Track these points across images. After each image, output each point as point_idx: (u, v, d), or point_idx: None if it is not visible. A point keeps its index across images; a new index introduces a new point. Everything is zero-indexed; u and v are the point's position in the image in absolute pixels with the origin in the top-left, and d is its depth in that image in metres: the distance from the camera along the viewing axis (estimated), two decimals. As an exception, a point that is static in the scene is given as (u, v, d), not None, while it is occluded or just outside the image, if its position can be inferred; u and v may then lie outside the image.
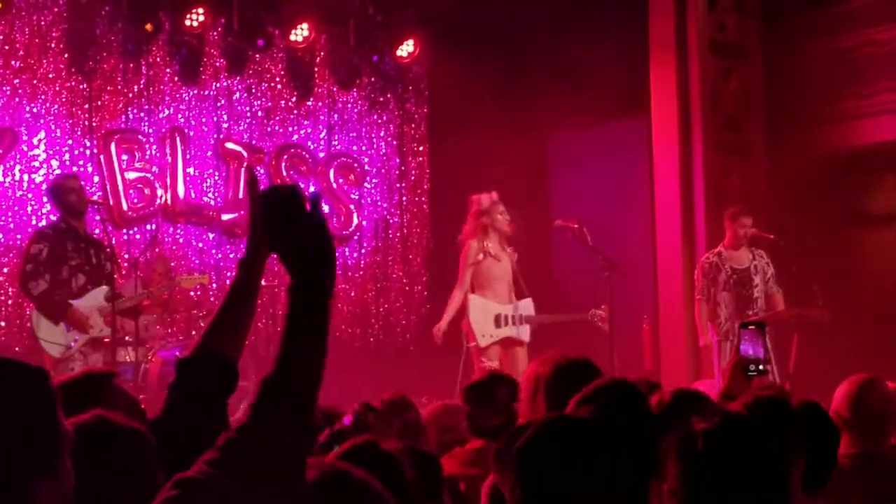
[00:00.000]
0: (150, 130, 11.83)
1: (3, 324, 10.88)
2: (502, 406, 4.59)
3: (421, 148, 13.57)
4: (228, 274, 12.14)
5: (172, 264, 11.61)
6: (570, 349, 3.96)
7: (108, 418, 2.51)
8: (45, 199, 10.67)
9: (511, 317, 9.92)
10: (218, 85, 12.23)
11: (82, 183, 9.62)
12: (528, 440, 2.35)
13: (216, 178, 12.23)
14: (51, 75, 11.23)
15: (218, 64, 12.21)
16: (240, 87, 12.40)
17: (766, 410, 3.10)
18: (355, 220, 12.93)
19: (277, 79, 12.60)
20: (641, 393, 3.16)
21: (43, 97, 11.18)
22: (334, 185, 12.82)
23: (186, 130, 12.00)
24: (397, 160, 13.43)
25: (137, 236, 11.69)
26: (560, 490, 2.29)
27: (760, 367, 3.98)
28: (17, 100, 11.05)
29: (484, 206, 10.04)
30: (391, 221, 13.35)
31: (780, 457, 2.60)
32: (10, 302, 10.92)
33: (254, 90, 12.47)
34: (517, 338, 9.93)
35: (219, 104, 12.28)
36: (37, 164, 11.12)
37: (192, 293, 11.41)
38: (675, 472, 2.55)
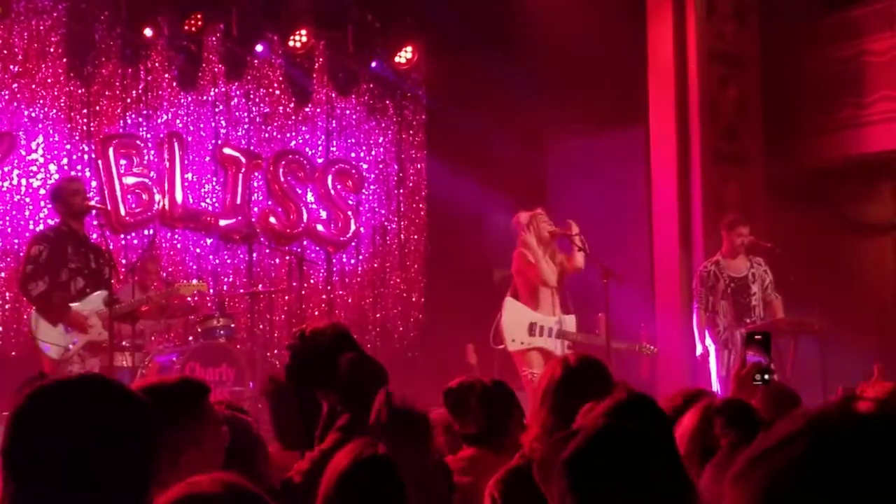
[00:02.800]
0: (149, 135, 11.83)
1: (0, 329, 10.86)
2: (473, 413, 4.61)
3: (419, 155, 13.58)
4: (225, 279, 12.15)
5: (170, 269, 11.61)
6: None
7: None
8: (46, 202, 10.67)
9: (549, 329, 9.76)
10: (216, 90, 12.23)
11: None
12: (579, 449, 2.38)
13: (214, 183, 12.23)
14: (49, 80, 11.23)
15: (216, 69, 12.21)
16: (238, 92, 12.40)
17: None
18: (353, 227, 12.92)
19: (276, 84, 12.60)
20: (661, 411, 3.16)
21: (41, 102, 11.17)
22: (332, 192, 12.81)
23: (185, 136, 12.00)
24: (395, 167, 13.43)
25: (135, 241, 11.68)
26: (612, 497, 2.32)
27: (766, 376, 4.04)
28: (15, 104, 11.05)
29: (523, 221, 9.94)
30: (389, 228, 13.35)
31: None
32: (7, 306, 10.90)
33: (252, 96, 12.47)
34: (553, 351, 9.62)
35: (217, 109, 12.28)
36: (35, 168, 11.11)
37: (189, 299, 11.41)
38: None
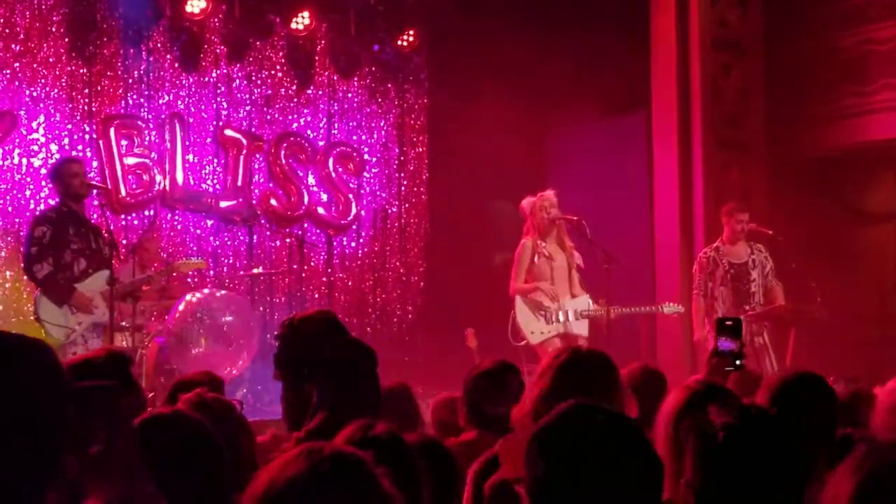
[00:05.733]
0: (150, 116, 11.81)
1: (0, 308, 10.86)
2: (513, 396, 4.57)
3: (420, 138, 13.57)
4: (225, 261, 12.15)
5: (170, 250, 11.61)
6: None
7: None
8: (46, 182, 10.67)
9: (564, 312, 9.81)
10: (218, 72, 12.21)
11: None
12: (552, 422, 2.38)
13: (215, 164, 12.22)
14: (51, 59, 11.20)
15: (218, 51, 12.19)
16: (240, 74, 12.38)
17: (787, 404, 3.09)
18: (354, 210, 12.92)
19: (278, 67, 12.58)
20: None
21: (43, 81, 11.15)
22: (333, 174, 12.80)
23: (186, 117, 11.98)
24: (397, 150, 13.42)
25: (135, 222, 11.68)
26: (580, 473, 2.31)
27: (738, 362, 4.08)
28: (16, 83, 11.03)
29: (527, 208, 9.98)
30: (390, 211, 13.34)
31: (803, 453, 2.60)
32: (7, 285, 10.90)
33: (254, 78, 12.45)
34: (573, 333, 9.70)
35: (219, 91, 12.26)
36: (36, 147, 11.10)
37: (188, 279, 11.41)
38: (693, 465, 2.54)
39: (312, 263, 12.67)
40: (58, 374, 2.03)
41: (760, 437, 2.55)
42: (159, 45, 11.82)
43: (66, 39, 11.29)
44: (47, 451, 1.98)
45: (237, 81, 12.37)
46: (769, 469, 2.51)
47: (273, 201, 12.44)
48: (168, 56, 11.88)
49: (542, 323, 9.74)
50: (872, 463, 2.13)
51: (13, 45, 11.00)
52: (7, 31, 10.99)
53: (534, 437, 2.38)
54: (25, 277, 9.52)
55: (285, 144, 12.56)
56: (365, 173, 13.17)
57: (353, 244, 13.08)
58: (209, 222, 12.15)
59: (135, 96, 11.73)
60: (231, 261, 12.21)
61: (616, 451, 2.32)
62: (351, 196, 12.92)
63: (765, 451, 2.53)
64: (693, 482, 2.55)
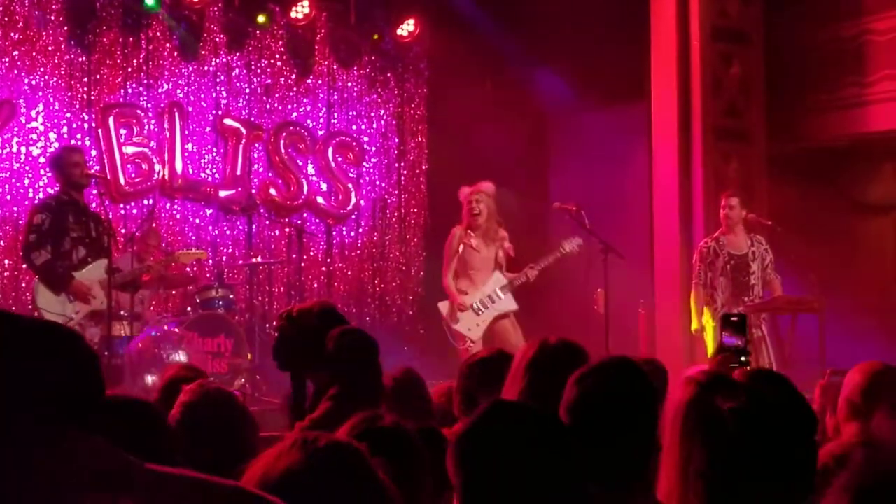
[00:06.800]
0: (149, 105, 11.79)
1: (-1, 296, 10.87)
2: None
3: (420, 128, 13.55)
4: (224, 250, 12.14)
5: (169, 239, 11.61)
6: (564, 335, 3.94)
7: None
8: (45, 170, 10.66)
9: (487, 297, 9.96)
10: (217, 61, 12.20)
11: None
12: (468, 428, 2.35)
13: (214, 154, 12.21)
14: (50, 48, 11.19)
15: (218, 40, 12.17)
16: (239, 63, 12.36)
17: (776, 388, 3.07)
18: (353, 199, 12.90)
19: (277, 56, 12.56)
20: (643, 372, 3.14)
21: (42, 70, 11.14)
22: (333, 164, 12.79)
23: (185, 106, 11.96)
24: (396, 140, 13.41)
25: (134, 211, 11.67)
26: (499, 478, 2.28)
27: (742, 358, 4.08)
28: (15, 72, 11.01)
29: (461, 198, 10.13)
30: (389, 201, 13.33)
31: (811, 436, 2.59)
32: (6, 274, 10.89)
33: (253, 67, 12.44)
34: (505, 311, 9.98)
35: (218, 80, 12.24)
36: (35, 136, 11.09)
37: (188, 269, 11.40)
38: (702, 453, 2.53)
39: (312, 253, 12.65)
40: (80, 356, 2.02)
41: (770, 419, 2.54)
42: (158, 33, 11.80)
43: (65, 28, 11.27)
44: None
45: (236, 70, 12.36)
46: (780, 454, 2.50)
47: (272, 191, 12.42)
48: (167, 45, 11.86)
49: (473, 317, 9.87)
50: (869, 477, 2.12)
51: (12, 34, 10.99)
52: (6, 19, 10.97)
53: (452, 446, 2.36)
54: (24, 265, 9.51)
55: (285, 134, 12.55)
56: (364, 163, 13.15)
57: (352, 234, 13.07)
58: (208, 211, 12.14)
59: (134, 85, 11.72)
60: (230, 250, 12.20)
61: (533, 452, 2.30)
62: (350, 186, 12.91)
63: (775, 433, 2.51)
64: (705, 472, 2.52)
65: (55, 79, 11.21)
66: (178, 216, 11.95)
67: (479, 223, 10.00)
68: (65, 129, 11.27)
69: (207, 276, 11.58)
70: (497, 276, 10.04)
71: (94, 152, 11.33)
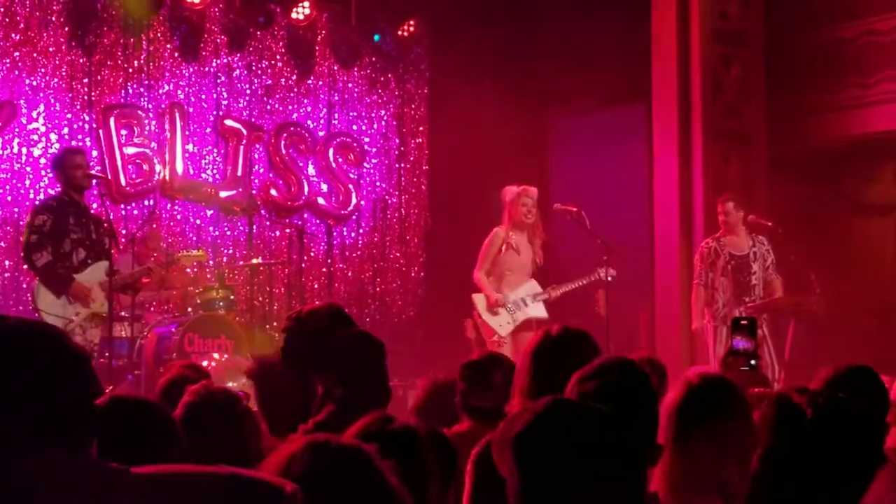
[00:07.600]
0: (150, 106, 11.79)
1: (-1, 297, 10.87)
2: (496, 389, 4.56)
3: (421, 129, 13.55)
4: (225, 251, 12.14)
5: (169, 240, 11.61)
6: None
7: None
8: (46, 171, 10.67)
9: (521, 300, 9.96)
10: (218, 62, 12.20)
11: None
12: (527, 425, 2.33)
13: (215, 154, 12.21)
14: (51, 49, 11.19)
15: (219, 40, 12.17)
16: (240, 64, 12.36)
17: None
18: (354, 200, 12.91)
19: (278, 56, 12.56)
20: (645, 373, 3.16)
21: (43, 70, 11.14)
22: (333, 165, 12.79)
23: (186, 106, 11.97)
24: (397, 140, 13.41)
25: (135, 212, 11.67)
26: (559, 476, 2.25)
27: (752, 361, 4.08)
28: (16, 73, 11.01)
29: (507, 198, 10.09)
30: (390, 202, 13.33)
31: (879, 438, 2.62)
32: (6, 275, 10.90)
33: (254, 67, 12.44)
34: (532, 318, 9.97)
35: (219, 81, 12.24)
36: (35, 137, 11.09)
37: (188, 270, 11.40)
38: (775, 441, 2.53)
39: (312, 254, 12.66)
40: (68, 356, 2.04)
41: (848, 418, 2.56)
42: (159, 34, 11.80)
43: (66, 29, 11.27)
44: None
45: (237, 71, 12.36)
46: (855, 450, 2.52)
47: (273, 191, 12.43)
48: (168, 46, 11.87)
49: (506, 315, 9.88)
50: None
51: (13, 35, 10.99)
52: (7, 20, 10.97)
53: (509, 444, 2.33)
54: (25, 266, 9.51)
55: (285, 134, 12.55)
56: (365, 164, 13.16)
57: (352, 235, 13.08)
58: (209, 212, 12.14)
59: (135, 86, 11.72)
60: (230, 251, 12.20)
61: (593, 450, 2.28)
62: (351, 186, 12.91)
63: (852, 432, 2.54)
64: (776, 458, 2.53)
65: (56, 80, 11.21)
66: (178, 217, 11.95)
67: (528, 223, 10.02)
68: (66, 130, 11.27)
69: (208, 276, 11.58)
70: (532, 283, 10.07)
71: (94, 153, 11.33)
